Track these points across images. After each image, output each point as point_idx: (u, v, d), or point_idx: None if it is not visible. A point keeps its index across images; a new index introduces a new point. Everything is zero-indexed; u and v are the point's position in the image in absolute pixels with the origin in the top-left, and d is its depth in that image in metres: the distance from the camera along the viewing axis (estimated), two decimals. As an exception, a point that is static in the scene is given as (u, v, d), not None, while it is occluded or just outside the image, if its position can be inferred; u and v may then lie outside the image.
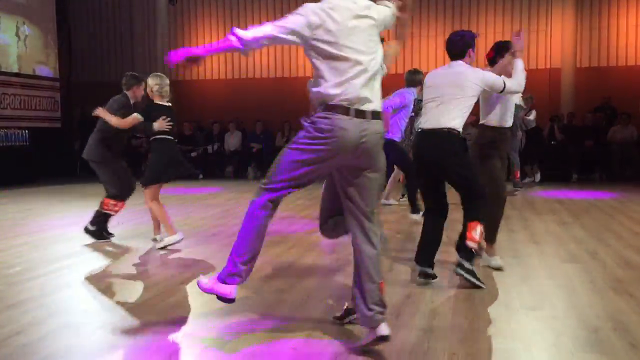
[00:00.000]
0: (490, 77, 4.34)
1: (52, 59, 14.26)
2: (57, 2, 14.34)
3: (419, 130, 4.50)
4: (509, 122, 4.79)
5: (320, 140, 2.92)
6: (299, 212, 8.07)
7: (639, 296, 4.00)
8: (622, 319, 3.54)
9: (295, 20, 2.93)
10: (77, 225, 7.17)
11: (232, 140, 13.94)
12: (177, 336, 3.39)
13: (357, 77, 2.94)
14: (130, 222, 7.36)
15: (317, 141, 2.93)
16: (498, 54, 4.72)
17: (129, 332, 3.46)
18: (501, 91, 4.40)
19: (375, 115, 2.99)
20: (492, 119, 4.72)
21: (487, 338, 3.29)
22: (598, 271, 4.68)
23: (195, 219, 7.45)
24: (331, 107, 2.93)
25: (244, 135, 14.10)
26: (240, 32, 2.93)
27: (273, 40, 2.96)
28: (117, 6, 16.04)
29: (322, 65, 2.96)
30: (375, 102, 3.01)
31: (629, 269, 4.73)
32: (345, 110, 2.91)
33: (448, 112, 4.23)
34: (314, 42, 2.94)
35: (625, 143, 12.11)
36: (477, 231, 4.24)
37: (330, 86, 2.92)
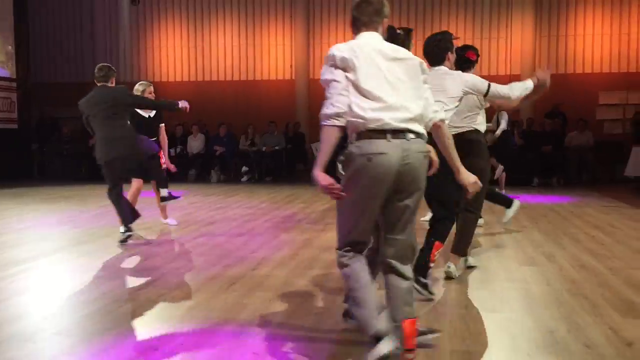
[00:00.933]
0: (472, 78, 4.32)
1: (9, 59, 13.92)
2: (15, 1, 14.00)
3: None
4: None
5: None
6: (262, 215, 8.05)
7: (593, 298, 4.11)
8: (577, 320, 3.64)
9: None
10: (34, 229, 7.01)
11: (195, 143, 13.81)
12: (134, 343, 3.34)
13: None
14: (87, 225, 7.23)
15: None
16: (477, 59, 4.83)
17: (86, 338, 3.39)
18: (485, 94, 4.34)
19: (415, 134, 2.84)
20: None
21: (447, 340, 3.33)
22: (554, 274, 4.80)
23: (157, 223, 7.36)
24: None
25: (207, 138, 13.99)
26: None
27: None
28: (77, 6, 15.75)
29: None
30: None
31: (584, 271, 4.86)
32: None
33: None
34: None
35: (582, 148, 12.43)
36: (438, 252, 4.28)
37: None
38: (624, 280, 4.57)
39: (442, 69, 4.33)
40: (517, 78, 13.73)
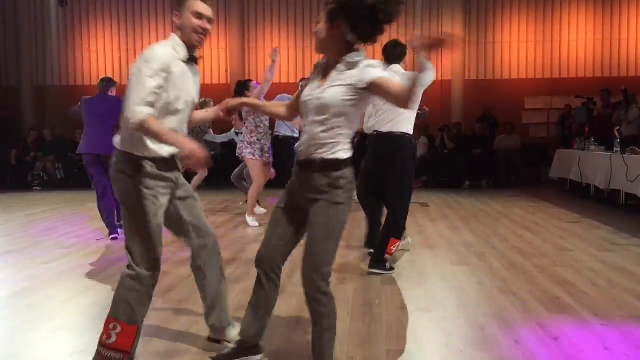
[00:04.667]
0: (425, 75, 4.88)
1: None
2: None
3: (374, 132, 5.03)
4: None
5: None
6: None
7: (522, 295, 4.28)
8: (507, 317, 3.77)
9: None
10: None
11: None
12: (64, 353, 3.24)
13: None
14: (14, 234, 6.94)
15: None
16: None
17: (13, 351, 3.26)
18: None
19: None
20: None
21: (383, 341, 3.39)
22: (485, 272, 4.96)
23: (90, 231, 7.13)
24: None
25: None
26: None
27: None
28: (0, 6, 15.08)
29: None
30: None
31: (513, 269, 5.05)
32: None
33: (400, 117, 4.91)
34: None
35: (510, 151, 12.90)
36: (396, 246, 4.91)
37: None
38: (550, 277, 4.78)
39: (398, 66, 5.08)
40: (448, 84, 14.15)
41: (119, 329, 2.79)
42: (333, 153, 2.60)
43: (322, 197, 2.61)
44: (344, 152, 2.63)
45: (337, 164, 2.61)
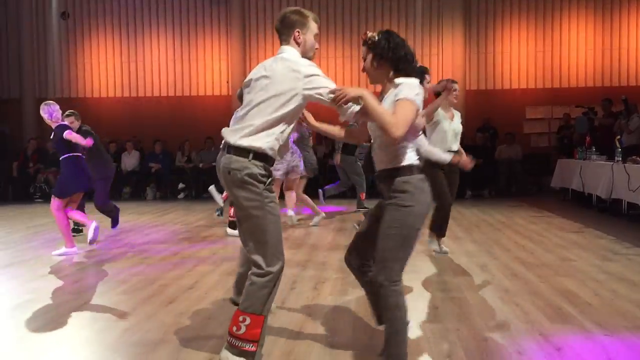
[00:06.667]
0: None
1: None
2: None
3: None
4: None
5: None
6: (199, 232, 7.94)
7: (524, 305, 4.27)
8: (509, 328, 3.76)
9: None
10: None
11: (130, 160, 13.52)
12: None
13: None
14: (16, 246, 6.93)
15: None
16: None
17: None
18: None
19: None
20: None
21: (385, 352, 3.37)
22: (487, 283, 4.95)
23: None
24: None
25: (142, 155, 13.70)
26: None
27: None
28: (2, 20, 15.18)
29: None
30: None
31: (515, 280, 5.03)
32: None
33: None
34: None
35: (511, 161, 12.90)
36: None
37: None
38: (552, 287, 4.76)
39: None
40: (448, 93, 14.15)
41: (248, 321, 2.95)
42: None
43: (390, 202, 3.03)
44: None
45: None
